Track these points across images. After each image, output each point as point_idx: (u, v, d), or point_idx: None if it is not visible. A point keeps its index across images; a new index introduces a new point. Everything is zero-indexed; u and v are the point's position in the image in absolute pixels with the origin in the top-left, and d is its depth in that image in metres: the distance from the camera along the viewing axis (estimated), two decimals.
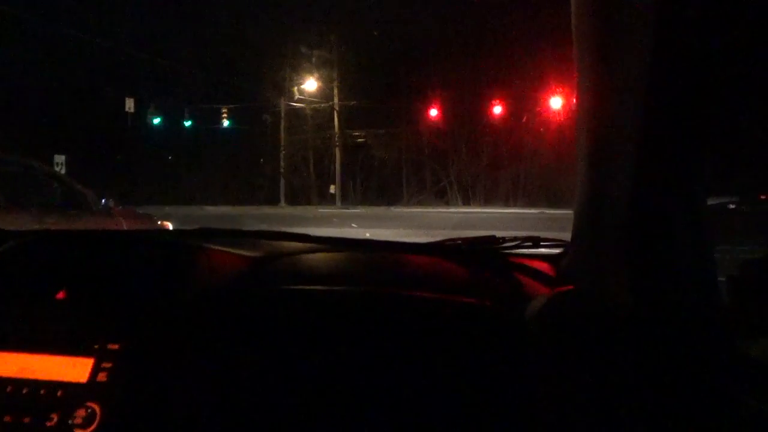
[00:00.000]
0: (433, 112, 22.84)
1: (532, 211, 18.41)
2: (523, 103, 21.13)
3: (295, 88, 25.21)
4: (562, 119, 19.30)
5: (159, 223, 6.11)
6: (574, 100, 0.88)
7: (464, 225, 13.75)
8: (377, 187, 27.33)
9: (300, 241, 1.22)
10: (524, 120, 21.10)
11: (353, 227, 13.32)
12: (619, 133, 0.77)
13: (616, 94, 0.76)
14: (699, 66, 0.72)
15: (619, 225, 0.78)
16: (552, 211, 16.66)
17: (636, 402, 0.70)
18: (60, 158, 13.67)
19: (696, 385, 0.71)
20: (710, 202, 0.83)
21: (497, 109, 21.02)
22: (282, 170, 26.69)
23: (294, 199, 26.31)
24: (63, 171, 12.26)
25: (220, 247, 1.10)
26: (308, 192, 26.45)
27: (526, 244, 1.26)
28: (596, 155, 0.82)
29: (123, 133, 23.61)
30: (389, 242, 1.24)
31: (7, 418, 0.80)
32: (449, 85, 23.09)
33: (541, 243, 1.26)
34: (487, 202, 22.70)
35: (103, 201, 5.40)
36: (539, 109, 20.57)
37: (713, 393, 0.70)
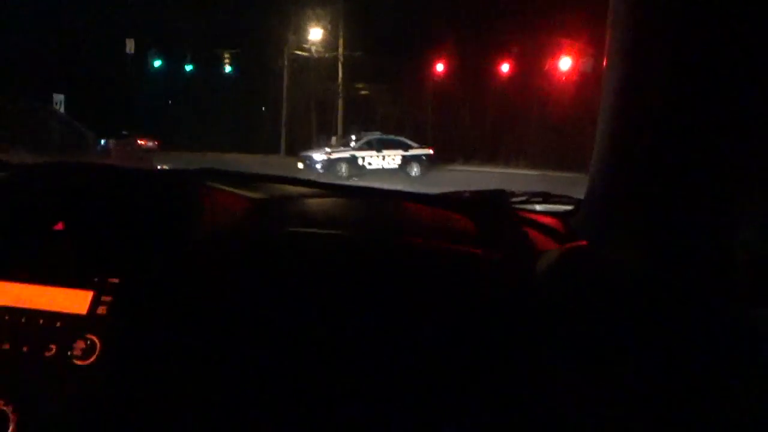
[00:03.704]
0: (439, 67, 22.48)
1: (534, 172, 18.31)
2: (531, 61, 20.76)
3: (300, 37, 24.70)
4: (570, 79, 19.01)
5: (158, 167, 6.07)
6: (606, 47, 0.84)
7: (467, 183, 13.71)
8: None
9: (305, 186, 1.20)
10: (546, 68, 20.40)
11: (354, 181, 13.27)
12: (649, 85, 0.74)
13: (651, 42, 0.73)
14: (737, 18, 0.68)
15: (639, 182, 0.76)
16: (555, 173, 16.57)
17: (640, 360, 0.70)
18: (59, 97, 13.38)
19: (701, 348, 0.70)
20: None
21: (505, 68, 20.69)
22: (284, 120, 26.43)
23: (294, 150, 26.15)
24: (62, 110, 12.07)
25: (225, 187, 1.08)
26: (309, 143, 26.24)
27: (536, 199, 1.24)
28: (623, 110, 0.79)
29: (123, 75, 23.25)
30: (396, 191, 1.21)
31: (5, 346, 0.80)
32: (457, 40, 22.64)
33: (551, 199, 1.23)
34: (489, 161, 22.56)
35: (102, 142, 5.35)
36: (548, 68, 20.21)
37: (718, 357, 0.69)
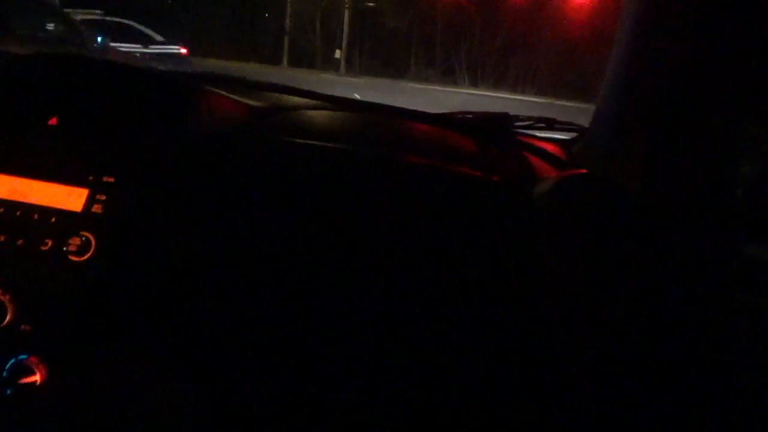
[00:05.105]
0: None
1: (541, 100, 17.96)
2: None
3: None
4: (586, 5, 18.26)
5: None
6: None
7: (471, 106, 13.45)
8: (384, 57, 26.32)
9: (307, 98, 1.17)
10: None
11: (356, 97, 12.98)
12: (667, 12, 0.71)
13: None
14: None
15: (647, 112, 0.74)
16: (561, 102, 16.26)
17: (634, 287, 0.71)
18: None
19: (694, 276, 0.71)
20: None
21: None
22: (287, 29, 25.50)
23: (297, 61, 25.38)
24: (57, 2, 11.46)
25: (225, 93, 1.05)
26: (312, 55, 25.46)
27: (540, 125, 1.22)
28: (639, 36, 0.76)
29: None
30: (399, 108, 1.19)
31: (1, 238, 0.80)
32: None
33: (556, 125, 1.21)
34: (496, 86, 22.05)
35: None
36: None
37: (710, 284, 0.71)
